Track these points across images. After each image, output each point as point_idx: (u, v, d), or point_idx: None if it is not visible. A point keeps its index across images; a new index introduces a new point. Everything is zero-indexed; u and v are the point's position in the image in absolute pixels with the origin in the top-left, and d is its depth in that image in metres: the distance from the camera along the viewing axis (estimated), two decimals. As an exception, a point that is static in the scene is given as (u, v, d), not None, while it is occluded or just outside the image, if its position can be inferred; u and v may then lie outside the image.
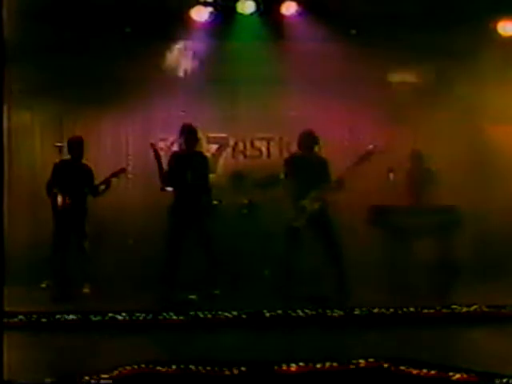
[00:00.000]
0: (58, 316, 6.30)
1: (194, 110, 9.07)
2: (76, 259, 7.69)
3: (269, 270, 8.12)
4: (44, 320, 6.27)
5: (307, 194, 7.25)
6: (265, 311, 6.37)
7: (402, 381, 4.43)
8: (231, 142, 9.57)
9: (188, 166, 7.42)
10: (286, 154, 9.22)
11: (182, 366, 4.49)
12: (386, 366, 4.55)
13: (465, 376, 4.27)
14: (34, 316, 6.29)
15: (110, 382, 4.28)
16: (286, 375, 4.47)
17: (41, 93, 8.92)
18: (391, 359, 4.61)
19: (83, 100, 9.01)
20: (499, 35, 8.72)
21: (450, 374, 4.31)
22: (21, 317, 6.20)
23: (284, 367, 4.51)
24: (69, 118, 9.26)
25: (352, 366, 4.57)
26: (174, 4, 8.48)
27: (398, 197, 8.15)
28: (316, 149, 7.52)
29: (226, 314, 6.34)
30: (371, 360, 4.62)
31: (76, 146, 7.77)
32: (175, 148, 9.17)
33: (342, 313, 6.41)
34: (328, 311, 6.42)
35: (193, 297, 7.16)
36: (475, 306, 6.51)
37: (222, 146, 9.56)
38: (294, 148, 8.49)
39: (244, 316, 6.33)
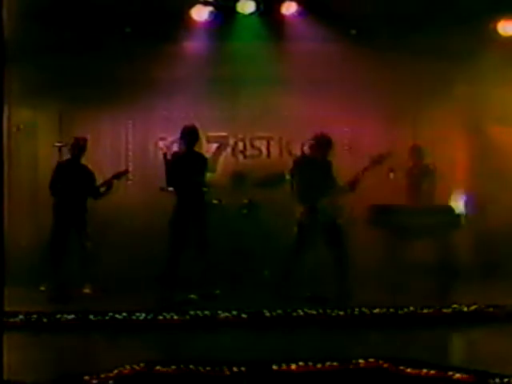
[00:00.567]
0: (58, 316, 6.29)
1: (193, 109, 9.08)
2: (79, 260, 7.71)
3: (269, 270, 8.11)
4: (44, 320, 6.27)
5: (318, 196, 7.21)
6: (265, 311, 6.37)
7: (402, 381, 4.43)
8: (231, 142, 9.57)
9: (187, 166, 7.43)
10: (285, 154, 9.24)
11: (181, 366, 4.49)
12: (385, 366, 4.55)
13: (465, 376, 4.27)
14: (34, 316, 6.28)
15: (111, 382, 4.28)
16: (286, 375, 4.47)
17: (41, 93, 8.93)
18: (391, 359, 4.61)
19: (83, 100, 9.01)
20: (499, 35, 8.72)
21: (450, 373, 4.31)
22: (21, 317, 6.20)
23: (284, 367, 4.50)
24: (69, 118, 9.26)
25: (352, 366, 4.57)
26: (174, 4, 8.48)
27: (398, 196, 8.15)
28: (330, 152, 7.46)
29: (226, 313, 6.34)
30: (371, 360, 4.62)
31: (77, 145, 7.82)
32: (175, 148, 9.18)
33: (342, 313, 6.41)
34: (328, 311, 6.42)
35: (193, 296, 7.16)
36: (475, 306, 6.51)
37: (222, 145, 9.56)
38: (294, 148, 8.53)
39: (244, 316, 6.33)
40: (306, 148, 7.73)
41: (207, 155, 8.90)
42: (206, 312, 6.35)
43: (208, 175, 7.77)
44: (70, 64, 8.68)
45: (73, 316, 6.29)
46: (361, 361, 4.60)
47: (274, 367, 4.49)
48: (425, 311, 6.45)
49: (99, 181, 7.93)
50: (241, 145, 9.60)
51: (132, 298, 7.39)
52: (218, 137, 9.52)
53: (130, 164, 9.36)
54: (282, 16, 8.76)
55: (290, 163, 7.76)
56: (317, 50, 8.91)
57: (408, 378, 4.40)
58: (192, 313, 6.36)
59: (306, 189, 7.25)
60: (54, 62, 8.65)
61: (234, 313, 6.36)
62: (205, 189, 7.67)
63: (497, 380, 4.18)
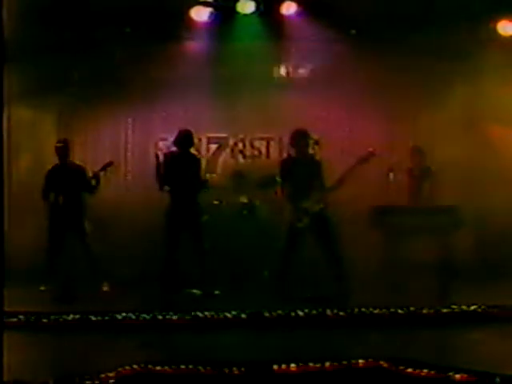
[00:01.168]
0: (57, 316, 6.29)
1: (193, 110, 9.09)
2: (84, 260, 7.75)
3: (268, 271, 8.11)
4: (44, 320, 6.26)
5: (306, 196, 7.25)
6: (265, 311, 6.37)
7: (402, 381, 4.42)
8: (231, 142, 9.57)
9: (180, 166, 7.47)
10: (285, 154, 9.23)
11: (182, 366, 4.49)
12: (385, 366, 4.55)
13: (465, 376, 4.27)
14: (33, 317, 6.28)
15: (111, 382, 4.28)
16: (286, 375, 4.47)
17: (40, 93, 8.93)
18: (391, 359, 4.61)
19: (83, 100, 9.02)
20: (499, 35, 8.72)
21: (450, 374, 4.31)
22: (21, 317, 6.20)
23: (284, 367, 4.50)
24: (68, 118, 9.27)
25: (352, 366, 4.56)
26: (174, 4, 8.49)
27: (398, 197, 8.15)
28: (309, 149, 7.49)
29: (226, 314, 6.34)
30: (371, 360, 4.62)
31: (61, 148, 7.86)
32: (175, 148, 9.19)
33: (342, 313, 6.41)
34: (328, 311, 6.42)
35: (196, 291, 7.18)
36: (475, 306, 6.51)
37: (222, 145, 9.56)
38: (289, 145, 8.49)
39: (244, 316, 6.33)
40: (290, 149, 7.75)
41: (207, 156, 8.97)
42: (206, 312, 6.35)
43: (208, 176, 7.79)
44: (69, 64, 8.70)
45: (73, 316, 6.29)
46: (361, 361, 4.60)
47: (274, 367, 4.49)
48: (425, 311, 6.45)
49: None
50: (240, 145, 9.60)
51: (134, 297, 7.41)
52: (218, 137, 9.52)
53: (129, 163, 9.38)
54: (282, 16, 8.76)
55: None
56: (317, 50, 8.92)
57: (408, 378, 4.40)
58: (192, 313, 6.35)
59: (292, 188, 7.28)
60: (54, 61, 8.66)
61: (234, 313, 6.35)
62: (205, 190, 7.70)
63: (497, 380, 4.18)
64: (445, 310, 6.47)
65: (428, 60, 8.81)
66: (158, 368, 4.48)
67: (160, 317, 6.30)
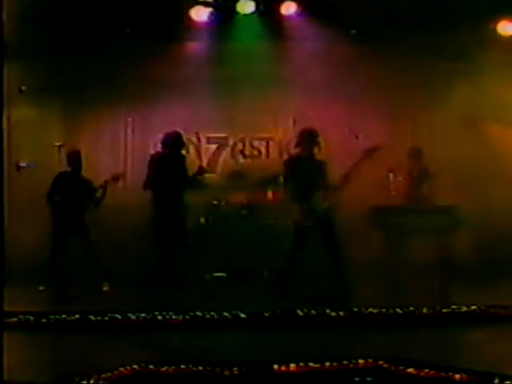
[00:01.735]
0: (57, 316, 6.29)
1: (193, 109, 9.09)
2: (87, 260, 7.76)
3: (268, 271, 8.11)
4: (44, 320, 6.26)
5: (312, 195, 7.23)
6: (265, 311, 6.37)
7: (402, 381, 4.43)
8: (231, 142, 9.57)
9: (170, 168, 7.47)
10: (285, 155, 9.23)
11: (182, 366, 4.49)
12: (385, 366, 4.55)
13: (465, 376, 4.27)
14: (33, 317, 6.28)
15: (111, 382, 4.28)
16: (286, 375, 4.47)
17: (41, 93, 8.93)
18: (391, 359, 4.61)
19: (83, 100, 9.02)
20: (499, 35, 8.72)
21: (450, 374, 4.31)
22: (21, 317, 6.20)
23: (284, 367, 4.50)
24: (69, 118, 9.28)
25: (352, 366, 4.56)
26: (174, 4, 8.49)
27: (398, 197, 8.15)
28: (316, 150, 7.47)
29: (226, 314, 6.34)
30: (371, 360, 4.62)
31: (74, 158, 7.85)
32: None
33: (342, 313, 6.41)
34: (328, 311, 6.42)
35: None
36: (475, 306, 6.51)
37: (222, 145, 9.57)
38: (294, 148, 8.49)
39: (244, 316, 6.33)
40: (295, 148, 7.73)
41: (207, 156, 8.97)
42: (206, 312, 6.35)
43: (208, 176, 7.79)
44: (69, 64, 8.70)
45: (72, 316, 6.29)
46: (361, 361, 4.60)
47: (274, 367, 4.49)
48: (425, 311, 6.45)
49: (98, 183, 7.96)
50: (240, 145, 9.60)
51: (134, 297, 7.42)
52: (218, 137, 9.53)
53: (130, 164, 9.38)
54: (282, 16, 8.77)
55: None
56: (317, 50, 8.91)
57: (408, 378, 4.40)
58: (192, 313, 6.35)
59: (297, 188, 7.27)
60: (54, 62, 8.66)
61: (234, 313, 6.35)
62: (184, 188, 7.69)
63: (497, 380, 4.18)
64: (445, 310, 6.47)
65: (428, 60, 8.81)
66: (158, 368, 4.48)
67: (160, 317, 6.30)
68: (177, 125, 8.77)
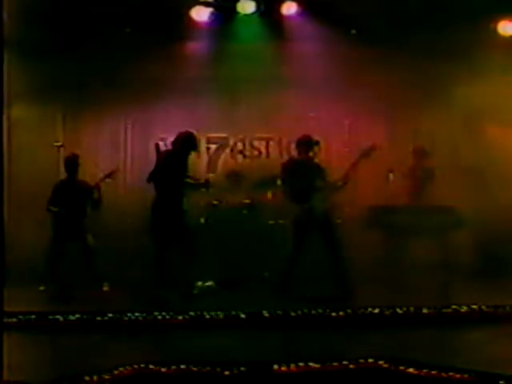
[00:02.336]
0: (57, 316, 6.29)
1: (193, 109, 9.09)
2: (86, 261, 7.77)
3: (269, 271, 8.11)
4: (44, 320, 6.26)
5: (310, 196, 7.22)
6: (264, 311, 6.37)
7: (402, 381, 4.43)
8: (231, 142, 9.57)
9: (177, 167, 7.39)
10: (285, 155, 9.23)
11: (182, 366, 4.49)
12: (385, 366, 4.55)
13: (465, 376, 4.27)
14: (33, 317, 6.28)
15: (111, 382, 4.28)
16: (286, 375, 4.47)
17: (41, 93, 8.93)
18: (391, 359, 4.61)
19: (83, 100, 9.02)
20: (499, 35, 8.72)
21: (450, 374, 4.31)
22: (21, 317, 6.20)
23: (284, 367, 4.50)
24: (69, 118, 9.28)
25: (352, 366, 4.56)
26: (174, 4, 8.49)
27: (398, 197, 8.15)
28: (311, 153, 7.46)
29: (226, 314, 6.34)
30: (371, 360, 4.62)
31: (72, 162, 7.86)
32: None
33: (342, 313, 6.41)
34: (328, 311, 6.42)
35: (210, 284, 7.21)
36: (475, 306, 6.51)
37: (222, 145, 9.56)
38: (294, 149, 8.51)
39: (244, 316, 6.33)
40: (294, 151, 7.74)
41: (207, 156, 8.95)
42: (206, 312, 6.35)
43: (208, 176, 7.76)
44: (69, 64, 8.70)
45: (72, 316, 6.29)
46: (361, 361, 4.60)
47: (274, 367, 4.49)
48: (425, 311, 6.45)
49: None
50: (240, 145, 9.60)
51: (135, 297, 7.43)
52: (218, 137, 9.52)
53: (129, 164, 9.38)
54: (282, 16, 8.77)
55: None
56: (317, 50, 8.91)
57: (408, 378, 4.40)
58: (192, 313, 6.35)
59: (296, 190, 7.27)
60: (55, 61, 8.66)
61: (234, 313, 6.35)
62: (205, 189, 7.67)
63: (497, 380, 4.18)
64: (445, 310, 6.47)
65: (428, 60, 8.81)
66: (158, 368, 4.49)
67: (160, 317, 6.30)
68: (176, 125, 8.76)
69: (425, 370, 4.40)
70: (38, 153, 8.90)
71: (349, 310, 6.44)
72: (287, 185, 7.45)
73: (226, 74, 9.04)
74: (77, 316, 6.28)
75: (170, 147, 7.62)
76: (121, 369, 4.43)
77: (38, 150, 8.90)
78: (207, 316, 6.31)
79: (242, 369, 4.45)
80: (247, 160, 9.56)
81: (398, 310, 6.45)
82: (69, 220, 7.71)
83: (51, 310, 6.45)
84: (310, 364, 4.55)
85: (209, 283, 7.79)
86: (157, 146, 7.51)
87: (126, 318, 6.26)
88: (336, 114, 9.18)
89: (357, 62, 8.87)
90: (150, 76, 8.94)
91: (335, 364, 4.57)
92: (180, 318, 6.30)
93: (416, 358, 4.69)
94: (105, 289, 7.83)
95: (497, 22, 8.72)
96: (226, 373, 4.42)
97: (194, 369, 4.47)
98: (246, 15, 8.74)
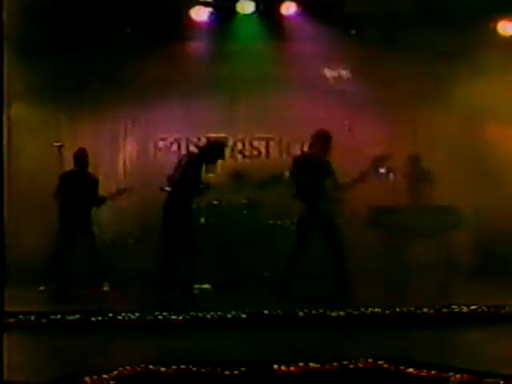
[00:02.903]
0: (57, 316, 6.29)
1: (193, 109, 9.10)
2: (89, 260, 7.78)
3: (269, 271, 8.11)
4: (44, 320, 6.26)
5: (318, 194, 7.20)
6: (265, 311, 6.37)
7: (402, 381, 4.42)
8: (231, 142, 9.57)
9: (195, 169, 7.33)
10: (285, 155, 9.24)
11: (182, 366, 4.49)
12: (385, 366, 4.55)
13: (465, 376, 4.27)
14: (33, 317, 6.28)
15: (111, 382, 4.28)
16: (286, 375, 4.46)
17: (41, 93, 8.94)
18: (391, 359, 4.61)
19: (83, 100, 9.03)
20: (499, 35, 8.72)
21: (450, 374, 4.31)
22: (21, 317, 6.19)
23: (284, 367, 4.50)
24: (68, 118, 9.29)
25: (352, 366, 4.56)
26: (174, 4, 8.49)
27: (398, 197, 8.15)
28: (329, 147, 7.40)
29: (226, 314, 6.34)
30: (371, 360, 4.62)
31: (81, 157, 7.86)
32: (174, 148, 9.22)
33: (342, 313, 6.41)
34: (328, 311, 6.42)
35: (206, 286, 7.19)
36: (475, 306, 6.51)
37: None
38: (294, 148, 8.53)
39: (244, 316, 6.33)
40: (306, 147, 7.70)
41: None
42: (206, 312, 6.35)
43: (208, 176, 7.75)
44: (69, 64, 8.70)
45: (73, 316, 6.29)
46: (361, 361, 4.60)
47: (274, 367, 4.49)
48: (425, 311, 6.45)
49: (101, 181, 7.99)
50: (240, 145, 9.60)
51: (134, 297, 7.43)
52: (218, 137, 9.52)
53: (129, 163, 9.40)
54: (282, 16, 8.77)
55: (289, 164, 7.73)
56: (316, 50, 8.92)
57: (408, 378, 4.39)
58: (192, 313, 6.35)
59: (303, 187, 7.23)
60: (55, 61, 8.66)
61: (234, 313, 6.35)
62: (201, 187, 7.62)
63: (497, 381, 4.18)
64: (445, 310, 6.47)
65: (428, 60, 8.81)
66: (158, 368, 4.48)
67: (160, 317, 6.30)
68: (176, 125, 8.79)
69: (425, 370, 4.39)
70: (38, 153, 8.90)
71: (349, 310, 6.44)
72: (295, 181, 7.38)
73: (226, 74, 9.04)
74: (77, 316, 6.28)
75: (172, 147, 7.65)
76: (121, 369, 4.42)
77: (38, 150, 8.91)
78: (207, 316, 6.32)
79: (242, 369, 4.45)
80: (247, 160, 9.56)
81: (398, 310, 6.45)
82: (77, 208, 7.67)
83: (51, 311, 6.46)
84: (310, 364, 4.55)
85: (205, 286, 7.76)
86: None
87: (127, 318, 6.27)
88: (335, 113, 9.17)
89: (357, 62, 8.87)
90: (149, 76, 8.95)
91: (335, 364, 4.57)
92: (180, 318, 6.30)
93: (416, 357, 4.69)
94: (105, 289, 7.83)
95: (497, 21, 8.72)
96: (226, 373, 4.42)
97: (194, 369, 4.47)
98: (245, 15, 8.75)
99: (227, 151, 9.51)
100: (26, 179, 8.70)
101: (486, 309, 6.50)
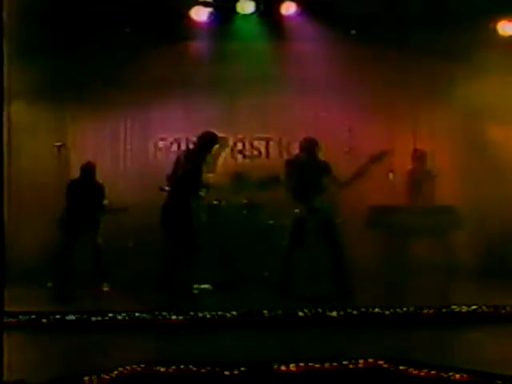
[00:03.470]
0: (57, 316, 6.29)
1: (193, 109, 9.09)
2: (93, 259, 7.82)
3: (268, 271, 8.11)
4: (44, 320, 6.26)
5: (314, 194, 7.21)
6: (265, 311, 6.37)
7: (402, 381, 4.43)
8: (231, 142, 9.56)
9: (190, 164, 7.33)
10: (285, 155, 9.23)
11: (181, 366, 4.49)
12: (385, 366, 4.55)
13: (465, 376, 4.27)
14: (34, 316, 6.28)
15: (111, 382, 4.28)
16: (286, 375, 4.46)
17: (41, 93, 8.93)
18: (391, 359, 4.61)
19: (83, 100, 9.03)
20: (499, 35, 8.72)
21: (450, 374, 4.31)
22: (21, 317, 6.19)
23: (284, 367, 4.50)
24: (68, 118, 9.29)
25: (352, 366, 4.56)
26: (174, 4, 8.49)
27: (398, 197, 8.15)
28: (316, 151, 7.46)
29: (226, 314, 6.34)
30: (371, 360, 4.62)
31: (89, 171, 8.01)
32: (174, 148, 9.21)
33: (342, 313, 6.41)
34: (328, 311, 6.42)
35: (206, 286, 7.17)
36: (475, 306, 6.51)
37: (221, 145, 9.54)
38: (294, 148, 8.51)
39: (244, 316, 6.32)
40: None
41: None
42: (206, 312, 6.35)
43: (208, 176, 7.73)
44: (69, 64, 8.70)
45: (72, 316, 6.29)
46: (361, 361, 4.60)
47: (274, 367, 4.49)
48: (425, 311, 6.45)
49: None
50: (240, 145, 9.60)
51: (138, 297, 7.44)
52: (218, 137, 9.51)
53: (129, 163, 9.39)
54: (282, 16, 8.77)
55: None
56: (316, 50, 8.91)
57: (408, 378, 4.40)
58: (192, 313, 6.35)
59: (299, 188, 7.25)
60: (54, 61, 8.66)
61: (234, 313, 6.35)
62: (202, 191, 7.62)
63: (497, 381, 4.17)
64: (445, 310, 6.47)
65: (428, 60, 8.81)
66: (158, 368, 4.48)
67: (160, 317, 6.30)
68: (176, 124, 8.79)
69: (425, 370, 4.39)
70: (38, 153, 8.90)
71: (349, 310, 6.44)
72: (291, 182, 7.40)
73: (226, 74, 9.04)
74: (77, 316, 6.28)
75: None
76: (121, 369, 4.43)
77: (38, 150, 8.90)
78: (208, 316, 6.31)
79: (242, 369, 4.45)
80: (247, 160, 9.56)
81: (398, 310, 6.45)
82: (85, 211, 7.74)
83: (51, 311, 6.45)
84: (310, 364, 4.55)
85: (205, 286, 7.76)
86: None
87: (127, 318, 6.27)
88: (335, 113, 9.17)
89: (357, 62, 8.86)
90: (149, 76, 8.95)
91: (335, 364, 4.57)
92: (180, 318, 6.30)
93: (416, 358, 4.69)
94: (105, 289, 7.83)
95: (497, 21, 8.72)
96: (226, 373, 4.42)
97: (194, 369, 4.47)
98: (245, 15, 8.75)
99: (227, 151, 9.58)
100: (26, 179, 8.70)
101: (486, 309, 6.49)
